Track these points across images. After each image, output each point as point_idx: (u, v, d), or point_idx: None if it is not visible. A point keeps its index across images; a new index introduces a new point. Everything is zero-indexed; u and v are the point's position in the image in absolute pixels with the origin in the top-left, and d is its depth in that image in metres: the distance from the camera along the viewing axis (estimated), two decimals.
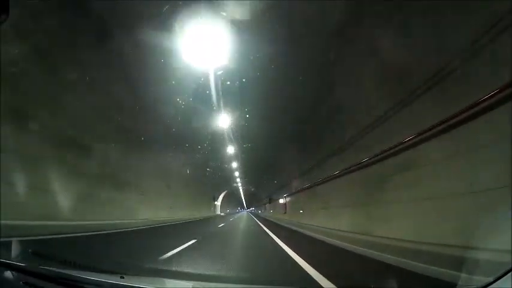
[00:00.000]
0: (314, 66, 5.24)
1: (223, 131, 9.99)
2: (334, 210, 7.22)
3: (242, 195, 46.59)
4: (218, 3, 3.99)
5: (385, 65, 4.18)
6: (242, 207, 67.64)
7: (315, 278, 2.90)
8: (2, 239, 2.93)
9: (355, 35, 4.19)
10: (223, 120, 8.80)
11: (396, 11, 3.50)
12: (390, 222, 4.50)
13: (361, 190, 5.84)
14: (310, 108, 6.91)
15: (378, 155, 4.91)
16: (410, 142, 3.92)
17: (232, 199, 45.09)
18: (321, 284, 2.65)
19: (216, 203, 31.94)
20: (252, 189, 34.60)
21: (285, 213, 15.15)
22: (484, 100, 2.56)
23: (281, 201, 16.63)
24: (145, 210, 10.55)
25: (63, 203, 5.77)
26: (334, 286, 2.55)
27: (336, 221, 6.70)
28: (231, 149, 13.34)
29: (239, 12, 4.02)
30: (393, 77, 4.18)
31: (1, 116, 4.25)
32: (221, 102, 7.19)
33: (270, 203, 23.20)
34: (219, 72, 5.69)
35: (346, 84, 5.34)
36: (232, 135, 10.55)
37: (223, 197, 35.90)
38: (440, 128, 3.27)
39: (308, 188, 9.92)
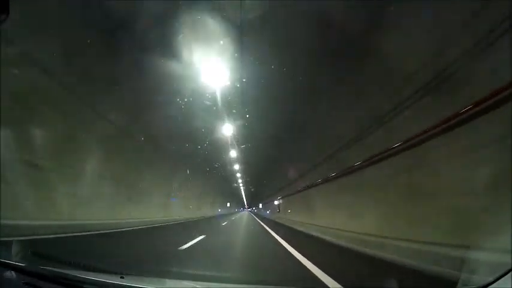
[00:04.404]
0: (314, 66, 5.23)
1: (223, 131, 9.98)
2: None
3: (244, 196, 46.26)
4: (219, 4, 3.99)
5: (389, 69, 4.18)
6: (243, 206, 67.21)
7: (319, 276, 2.90)
8: (2, 239, 2.94)
9: (357, 35, 4.18)
10: (227, 122, 8.80)
11: (399, 12, 3.49)
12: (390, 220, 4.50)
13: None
14: (310, 108, 6.90)
15: (380, 154, 4.89)
16: (416, 140, 3.91)
17: (233, 198, 43.72)
18: (326, 284, 2.65)
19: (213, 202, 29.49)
20: (253, 189, 34.16)
21: None
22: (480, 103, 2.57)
23: None
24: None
25: None
26: (339, 286, 2.55)
27: None
28: (231, 149, 13.31)
29: (240, 12, 4.01)
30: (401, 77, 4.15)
31: (1, 117, 4.26)
32: (222, 104, 7.19)
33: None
34: (219, 73, 5.69)
35: (347, 84, 5.32)
36: (232, 135, 10.54)
37: (222, 196, 33.54)
38: (442, 127, 3.27)
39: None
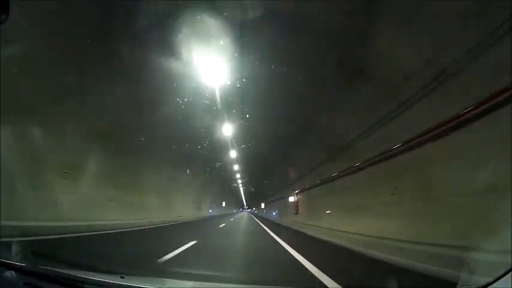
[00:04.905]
0: (314, 67, 5.24)
1: (224, 132, 9.98)
2: None
3: (243, 196, 46.06)
4: (219, 4, 3.99)
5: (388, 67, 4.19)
6: (242, 206, 66.59)
7: (318, 277, 2.89)
8: (2, 239, 2.93)
9: (356, 36, 4.19)
10: (224, 121, 8.79)
11: (398, 12, 3.49)
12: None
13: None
14: (310, 108, 6.91)
15: (381, 154, 4.88)
16: (414, 142, 3.90)
17: (229, 197, 39.90)
18: (325, 284, 2.64)
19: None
20: (252, 189, 33.67)
21: None
22: (482, 103, 2.56)
23: None
24: None
25: None
26: (338, 286, 2.55)
27: None
28: (231, 149, 13.29)
29: (240, 12, 4.02)
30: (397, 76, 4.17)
31: (0, 116, 4.24)
32: (221, 103, 7.19)
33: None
34: (219, 73, 5.70)
35: (347, 84, 5.33)
36: (232, 136, 10.53)
37: (217, 195, 28.25)
38: (442, 129, 3.27)
39: None
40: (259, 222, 17.35)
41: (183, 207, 16.17)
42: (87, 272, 1.68)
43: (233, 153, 14.47)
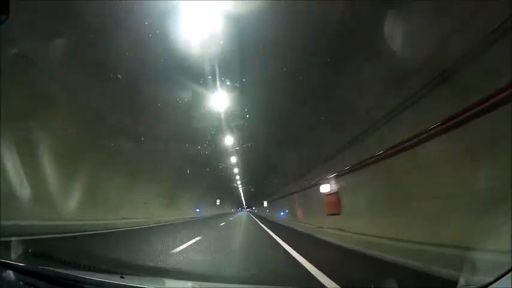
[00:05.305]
0: (314, 66, 5.23)
1: (224, 131, 9.94)
2: None
3: (242, 195, 45.88)
4: (218, 4, 3.98)
5: (387, 66, 4.19)
6: (241, 206, 66.15)
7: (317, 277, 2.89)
8: (2, 239, 2.93)
9: (357, 35, 4.18)
10: (224, 121, 8.75)
11: (398, 10, 3.49)
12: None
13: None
14: (310, 108, 6.90)
15: (380, 154, 4.89)
16: (411, 142, 3.92)
17: (230, 197, 37.95)
18: (324, 284, 2.65)
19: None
20: (252, 189, 33.33)
21: None
22: (484, 101, 2.57)
23: None
24: None
25: None
26: (336, 286, 2.55)
27: None
28: (230, 150, 13.23)
29: (240, 11, 4.01)
30: (395, 77, 4.18)
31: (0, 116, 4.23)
32: (221, 102, 7.17)
33: None
34: (219, 72, 5.68)
35: (347, 83, 5.33)
36: (232, 135, 10.49)
37: (215, 192, 26.22)
38: (441, 127, 3.27)
39: None
40: (272, 235, 8.69)
41: (139, 204, 11.07)
42: (87, 272, 1.69)
43: (232, 153, 14.37)
